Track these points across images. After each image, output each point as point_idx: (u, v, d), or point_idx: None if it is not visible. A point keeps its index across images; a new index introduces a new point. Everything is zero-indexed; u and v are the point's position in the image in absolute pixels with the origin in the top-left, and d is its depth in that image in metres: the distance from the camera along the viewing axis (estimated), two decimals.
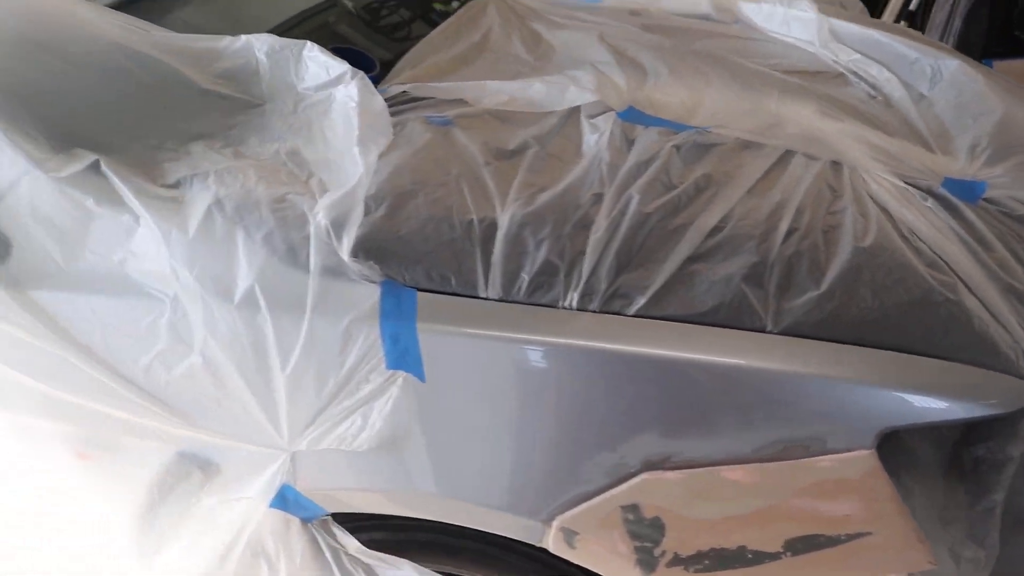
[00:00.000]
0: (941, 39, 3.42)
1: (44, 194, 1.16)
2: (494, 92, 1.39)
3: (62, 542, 1.49)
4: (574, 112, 1.35)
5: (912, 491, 1.03)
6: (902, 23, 3.81)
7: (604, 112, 1.32)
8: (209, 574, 1.29)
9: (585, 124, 1.29)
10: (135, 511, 1.33)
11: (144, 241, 1.14)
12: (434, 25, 2.05)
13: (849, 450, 0.99)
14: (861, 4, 2.28)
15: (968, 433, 1.05)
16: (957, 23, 3.41)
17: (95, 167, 1.16)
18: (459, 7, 2.07)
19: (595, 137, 1.24)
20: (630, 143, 1.23)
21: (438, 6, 2.19)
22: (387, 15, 2.10)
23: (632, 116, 1.31)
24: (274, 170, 1.20)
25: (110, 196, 1.15)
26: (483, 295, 1.07)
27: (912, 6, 3.92)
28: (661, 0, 2.08)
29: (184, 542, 1.31)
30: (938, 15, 3.50)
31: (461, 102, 1.39)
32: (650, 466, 1.04)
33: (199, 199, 1.14)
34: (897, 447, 1.02)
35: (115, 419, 1.24)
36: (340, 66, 1.29)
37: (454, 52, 1.66)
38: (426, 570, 1.24)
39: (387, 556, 1.27)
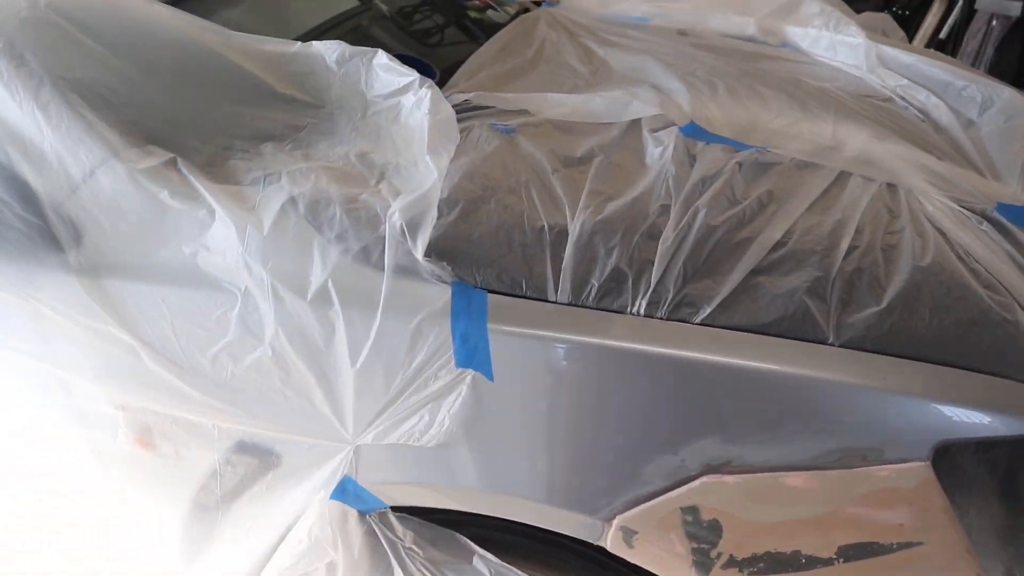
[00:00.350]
0: (973, 67, 3.45)
1: (120, 185, 1.18)
2: (556, 104, 1.43)
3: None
4: (634, 125, 1.38)
5: (967, 511, 1.05)
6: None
7: (666, 127, 1.36)
8: (267, 563, 1.31)
9: (648, 137, 1.33)
10: (192, 499, 1.35)
11: (218, 236, 1.16)
12: (467, 32, 2.09)
13: (905, 461, 1.01)
14: (902, 32, 2.32)
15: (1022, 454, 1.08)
16: (989, 51, 3.45)
17: (172, 163, 1.20)
18: (499, 15, 2.10)
19: (659, 150, 1.27)
20: (692, 158, 1.26)
21: (473, 13, 2.22)
22: (420, 20, 2.13)
23: (693, 132, 1.34)
24: (345, 172, 1.24)
25: (185, 190, 1.18)
26: (552, 299, 1.11)
27: (942, 35, 3.95)
28: (708, 20, 2.12)
29: (243, 531, 1.33)
30: (970, 43, 3.54)
31: (523, 112, 1.43)
32: (710, 469, 1.07)
33: (273, 197, 1.17)
34: (952, 466, 1.05)
35: (177, 408, 1.26)
36: (409, 74, 1.33)
37: (510, 63, 1.70)
38: (495, 559, 1.26)
39: (448, 538, 1.29)
